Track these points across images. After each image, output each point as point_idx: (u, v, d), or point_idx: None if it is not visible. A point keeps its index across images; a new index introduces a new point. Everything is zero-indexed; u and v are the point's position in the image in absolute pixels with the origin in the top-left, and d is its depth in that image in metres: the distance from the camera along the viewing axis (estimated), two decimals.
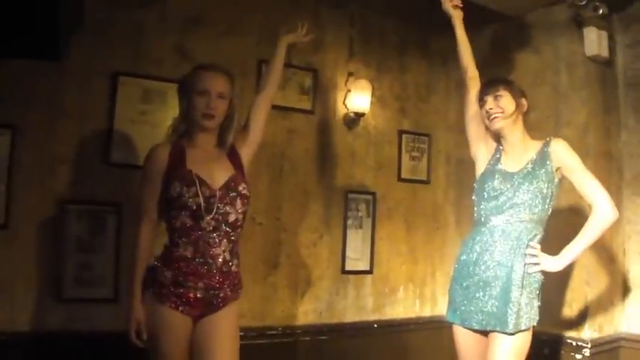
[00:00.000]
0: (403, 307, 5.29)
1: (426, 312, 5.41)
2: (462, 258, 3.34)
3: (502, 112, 3.25)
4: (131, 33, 4.17)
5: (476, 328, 3.19)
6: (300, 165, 4.82)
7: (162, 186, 2.98)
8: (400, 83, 5.41)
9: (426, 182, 5.51)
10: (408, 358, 5.13)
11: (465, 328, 3.26)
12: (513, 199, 3.21)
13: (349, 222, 5.04)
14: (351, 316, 4.92)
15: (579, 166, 3.25)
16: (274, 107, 4.58)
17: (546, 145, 3.25)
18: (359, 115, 5.03)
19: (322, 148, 4.95)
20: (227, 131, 3.21)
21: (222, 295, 3.00)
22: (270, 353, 4.40)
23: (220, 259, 2.98)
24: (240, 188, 3.10)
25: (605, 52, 4.50)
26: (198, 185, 2.94)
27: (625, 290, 4.59)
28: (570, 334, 4.40)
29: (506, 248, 3.15)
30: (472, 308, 3.20)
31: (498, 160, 3.38)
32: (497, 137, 3.40)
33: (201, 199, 2.93)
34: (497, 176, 3.31)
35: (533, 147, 3.30)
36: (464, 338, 3.30)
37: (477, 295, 3.18)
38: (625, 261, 4.59)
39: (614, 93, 4.66)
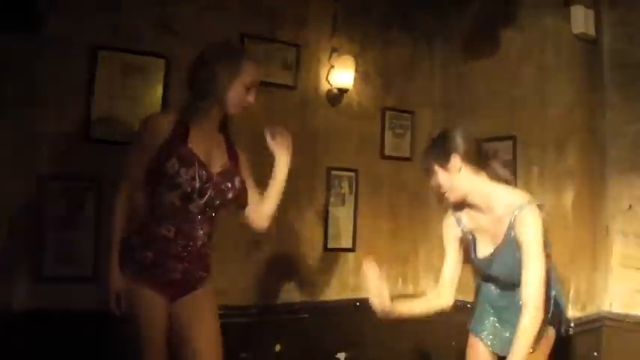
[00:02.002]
0: (386, 284, 5.25)
1: (409, 289, 5.40)
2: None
3: (444, 188, 3.08)
4: (110, 6, 4.07)
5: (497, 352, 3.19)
6: None
7: (155, 159, 2.85)
8: (384, 60, 5.35)
9: (409, 160, 5.48)
10: (390, 335, 5.11)
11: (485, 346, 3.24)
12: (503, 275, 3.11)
13: (332, 199, 5.01)
14: (333, 294, 4.91)
15: (534, 250, 2.88)
16: None
17: (513, 216, 2.94)
18: (342, 92, 4.99)
19: (305, 124, 4.90)
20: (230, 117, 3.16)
21: (197, 276, 2.98)
22: (252, 331, 4.37)
23: (200, 242, 2.95)
24: (236, 180, 3.06)
25: (591, 31, 4.47)
26: (197, 167, 2.85)
27: (608, 270, 4.59)
28: None
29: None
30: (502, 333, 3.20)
31: (474, 250, 3.23)
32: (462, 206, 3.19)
33: (197, 183, 2.85)
34: (482, 266, 3.20)
35: (505, 216, 2.99)
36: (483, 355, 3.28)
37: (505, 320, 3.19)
38: (608, 240, 4.60)
39: (600, 72, 4.63)
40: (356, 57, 5.02)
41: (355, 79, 5.02)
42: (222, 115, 3.09)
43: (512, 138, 4.79)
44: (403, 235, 5.43)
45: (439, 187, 3.08)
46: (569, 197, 4.38)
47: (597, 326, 4.49)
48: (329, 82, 4.98)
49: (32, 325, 3.62)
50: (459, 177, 3.03)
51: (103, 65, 4.00)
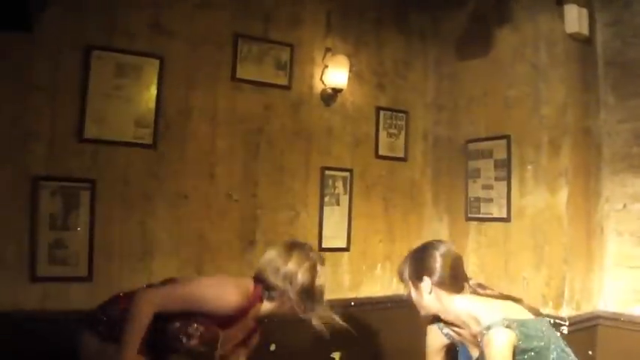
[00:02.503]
0: (380, 284, 5.27)
1: (403, 290, 5.36)
2: None
3: (415, 303, 3.19)
4: (105, 6, 4.08)
5: None
6: (277, 141, 4.77)
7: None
8: (378, 59, 5.35)
9: (404, 159, 5.47)
10: (385, 335, 5.12)
11: None
12: None
13: (326, 199, 5.01)
14: (327, 294, 4.87)
15: None
16: (250, 82, 4.59)
17: (481, 336, 2.92)
18: (336, 91, 4.99)
19: (299, 124, 4.90)
20: None
21: None
22: None
23: None
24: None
25: (585, 30, 4.47)
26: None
27: (603, 269, 4.59)
28: (548, 311, 4.38)
29: None
30: None
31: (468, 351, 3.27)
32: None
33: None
34: None
35: (477, 334, 2.98)
36: None
37: None
38: (603, 239, 4.60)
39: (594, 71, 4.63)
40: (350, 57, 5.02)
41: (349, 79, 5.02)
42: None
43: (507, 137, 4.80)
44: (398, 235, 5.42)
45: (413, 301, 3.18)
46: (563, 196, 4.39)
47: (592, 325, 4.49)
48: (323, 82, 4.98)
49: (27, 326, 3.61)
50: (429, 298, 3.09)
51: (97, 65, 4.00)
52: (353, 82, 5.13)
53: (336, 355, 4.85)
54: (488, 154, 4.95)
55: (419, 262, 3.14)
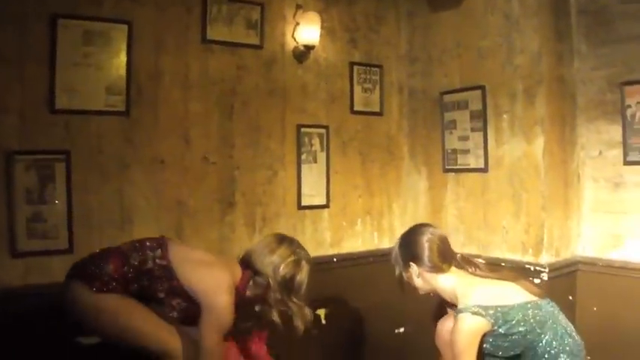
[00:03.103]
0: (362, 239, 5.31)
1: (385, 244, 5.41)
2: None
3: (413, 286, 3.51)
4: None
5: None
6: (251, 101, 4.73)
7: None
8: (349, 14, 5.29)
9: (380, 114, 5.46)
10: (368, 290, 5.16)
11: None
12: None
13: (303, 157, 5.00)
14: (309, 251, 4.88)
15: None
16: (221, 43, 4.53)
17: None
18: (309, 48, 4.93)
19: (273, 83, 4.86)
20: None
21: None
22: None
23: None
24: None
25: None
26: None
27: (580, 215, 4.65)
28: (528, 259, 4.45)
29: None
30: None
31: None
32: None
33: None
34: None
35: None
36: None
37: None
38: (580, 186, 4.64)
39: (566, 20, 4.61)
40: (321, 13, 4.96)
41: (321, 36, 4.97)
42: None
43: (481, 88, 4.79)
44: (376, 189, 5.43)
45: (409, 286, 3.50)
46: (539, 145, 4.40)
47: (571, 270, 4.56)
48: (295, 40, 4.92)
49: (9, 301, 3.59)
50: (418, 280, 3.45)
51: (64, 34, 3.91)
52: (325, 38, 5.08)
53: (321, 312, 4.90)
54: (463, 106, 4.94)
55: (406, 249, 3.45)
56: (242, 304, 3.31)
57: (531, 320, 3.20)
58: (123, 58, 4.13)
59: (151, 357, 3.17)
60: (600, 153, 4.51)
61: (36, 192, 3.80)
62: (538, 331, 3.21)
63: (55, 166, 3.86)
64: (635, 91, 4.28)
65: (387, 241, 5.43)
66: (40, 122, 3.85)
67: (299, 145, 4.98)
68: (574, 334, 3.31)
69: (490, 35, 4.72)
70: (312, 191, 5.03)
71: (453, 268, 3.44)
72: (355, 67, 5.30)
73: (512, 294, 3.30)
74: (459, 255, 3.54)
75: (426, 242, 3.39)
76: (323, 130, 5.11)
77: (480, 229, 4.83)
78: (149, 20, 4.25)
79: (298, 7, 4.92)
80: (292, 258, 3.37)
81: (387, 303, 5.15)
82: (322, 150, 5.10)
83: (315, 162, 5.06)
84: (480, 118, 4.79)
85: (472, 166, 4.89)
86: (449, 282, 3.38)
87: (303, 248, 3.51)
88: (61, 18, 3.91)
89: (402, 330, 5.40)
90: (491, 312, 3.15)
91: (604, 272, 4.43)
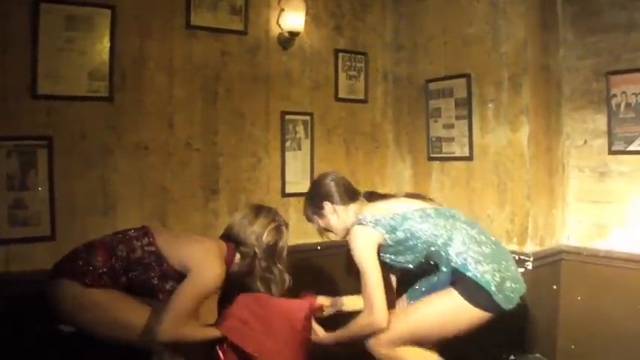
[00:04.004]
0: None
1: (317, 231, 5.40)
2: None
3: (329, 230, 3.64)
4: None
5: None
6: (235, 88, 4.71)
7: None
8: (335, 1, 5.26)
9: (364, 101, 5.44)
10: (352, 278, 5.13)
11: None
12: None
13: (287, 144, 4.98)
14: (293, 239, 4.87)
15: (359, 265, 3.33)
16: (205, 29, 4.51)
17: None
18: (293, 35, 4.91)
19: (257, 69, 4.84)
20: None
21: None
22: None
23: None
24: None
25: None
26: None
27: (565, 204, 4.65)
28: (512, 248, 4.45)
29: None
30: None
31: None
32: None
33: None
34: None
35: None
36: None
37: None
38: (565, 175, 4.64)
39: (553, 8, 4.60)
40: None
41: (306, 22, 4.95)
42: None
43: (467, 76, 4.78)
44: (361, 176, 5.39)
45: (324, 230, 3.67)
46: (524, 134, 4.40)
47: (556, 260, 4.57)
48: (279, 26, 4.89)
49: None
50: (334, 218, 3.54)
51: (46, 19, 3.87)
52: (310, 25, 5.05)
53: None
54: (448, 93, 4.94)
55: (316, 195, 3.58)
56: (229, 278, 3.35)
57: (426, 227, 3.33)
58: (106, 43, 4.09)
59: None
60: (585, 142, 4.51)
61: (17, 178, 3.78)
62: (439, 239, 3.31)
63: (37, 152, 3.84)
64: (621, 81, 4.28)
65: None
66: (22, 108, 3.82)
67: (283, 132, 4.96)
68: (482, 237, 3.35)
69: (476, 22, 4.71)
70: (296, 178, 5.01)
71: (364, 200, 3.59)
72: (340, 54, 5.27)
73: (405, 205, 3.44)
74: (366, 191, 3.71)
75: (331, 181, 3.57)
76: (307, 118, 5.09)
77: None
78: (133, 5, 4.22)
79: None
80: (273, 225, 3.46)
81: None
82: (306, 137, 5.08)
83: (300, 149, 5.04)
84: (465, 106, 4.78)
85: (457, 154, 4.89)
86: (356, 208, 3.51)
87: (279, 215, 3.60)
88: (43, 2, 3.87)
89: None
90: (381, 222, 3.32)
91: (588, 262, 4.44)
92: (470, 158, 4.78)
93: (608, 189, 4.39)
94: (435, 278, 3.40)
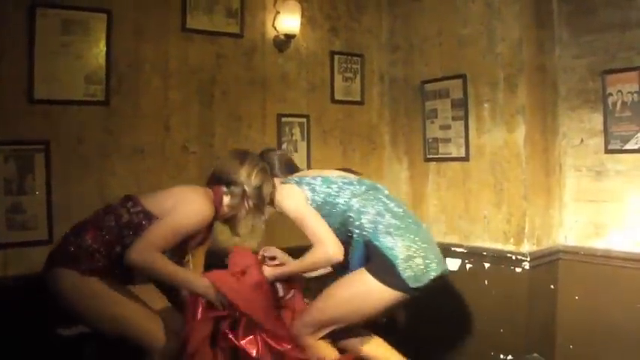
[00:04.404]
0: None
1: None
2: None
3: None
4: None
5: None
6: (231, 90, 4.71)
7: None
8: (330, 3, 5.26)
9: (361, 103, 5.44)
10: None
11: None
12: None
13: (284, 146, 4.98)
14: (288, 242, 4.88)
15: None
16: (201, 32, 4.51)
17: None
18: (289, 37, 4.91)
19: (253, 72, 4.84)
20: None
21: None
22: None
23: None
24: None
25: None
26: None
27: (562, 204, 4.65)
28: (510, 248, 4.47)
29: None
30: None
31: None
32: None
33: None
34: None
35: None
36: None
37: None
38: (561, 175, 4.65)
39: (548, 7, 4.61)
40: (301, 1, 4.94)
41: (302, 24, 4.96)
42: None
43: (462, 76, 4.79)
44: None
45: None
46: (521, 133, 4.40)
47: (553, 260, 4.57)
48: (275, 29, 4.90)
49: None
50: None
51: (42, 23, 3.88)
52: (306, 27, 5.06)
53: None
54: (444, 94, 4.94)
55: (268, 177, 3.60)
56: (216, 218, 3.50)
57: (346, 193, 3.47)
58: (102, 47, 4.10)
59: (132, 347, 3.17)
60: (582, 141, 4.52)
61: (15, 182, 3.78)
62: (355, 206, 3.41)
63: (34, 157, 3.84)
64: (617, 80, 4.29)
65: None
66: (19, 112, 3.82)
67: (279, 135, 4.96)
68: (400, 211, 3.44)
69: (471, 23, 4.71)
70: None
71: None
72: (336, 56, 5.28)
73: (330, 172, 3.66)
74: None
75: (276, 159, 3.77)
76: (303, 120, 5.09)
77: (462, 219, 4.83)
78: (129, 9, 4.22)
79: None
80: (259, 167, 3.52)
81: None
82: (303, 139, 5.08)
83: (296, 151, 5.04)
84: (461, 106, 4.79)
85: (453, 155, 4.89)
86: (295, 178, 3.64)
87: (263, 160, 3.65)
88: (39, 7, 3.87)
89: (384, 320, 5.39)
90: (304, 180, 3.55)
91: (586, 261, 4.45)
92: (466, 159, 4.78)
93: (605, 188, 4.40)
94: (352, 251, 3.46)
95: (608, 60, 4.34)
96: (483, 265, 4.61)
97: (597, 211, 4.44)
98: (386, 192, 3.56)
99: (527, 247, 4.41)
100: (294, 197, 3.48)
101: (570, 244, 4.59)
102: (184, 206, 3.21)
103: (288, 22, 4.83)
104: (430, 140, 5.09)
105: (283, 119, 4.98)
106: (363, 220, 3.35)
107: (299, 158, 5.00)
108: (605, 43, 4.36)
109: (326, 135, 5.24)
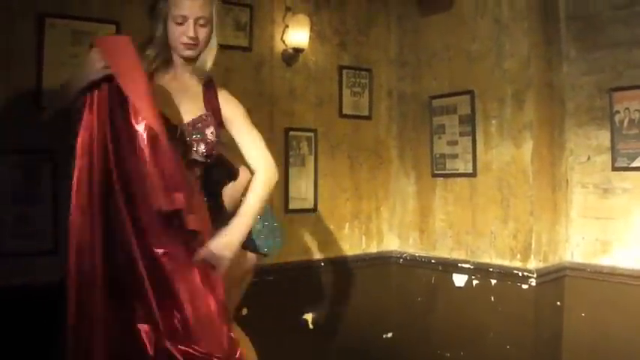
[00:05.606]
0: (349, 244, 5.28)
1: (373, 248, 5.42)
2: None
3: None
4: None
5: None
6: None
7: None
8: (339, 18, 5.28)
9: (368, 118, 5.44)
10: (356, 294, 5.15)
11: None
12: None
13: (291, 160, 4.97)
14: (297, 256, 4.89)
15: None
16: None
17: None
18: (298, 51, 4.92)
19: (261, 85, 4.85)
20: (204, 58, 3.04)
21: None
22: None
23: None
24: (208, 132, 2.92)
25: None
26: None
27: (568, 221, 4.65)
28: (516, 264, 4.46)
29: None
30: None
31: None
32: None
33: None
34: None
35: None
36: None
37: None
38: (568, 192, 4.65)
39: (556, 24, 4.63)
40: (311, 16, 4.96)
41: (311, 39, 4.96)
42: (183, 61, 3.01)
43: (470, 92, 4.81)
44: (365, 193, 5.41)
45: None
46: (528, 150, 4.41)
47: (560, 276, 4.57)
48: (284, 43, 4.91)
49: None
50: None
51: (51, 33, 3.89)
52: (314, 41, 5.07)
53: (308, 316, 4.87)
54: (452, 110, 4.96)
55: None
56: None
57: None
58: None
59: None
60: (589, 158, 4.52)
61: (22, 192, 3.78)
62: None
63: (41, 167, 3.83)
64: (624, 97, 4.30)
65: (375, 245, 5.45)
66: (27, 122, 3.79)
67: (287, 149, 4.95)
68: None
69: (480, 39, 4.73)
70: (300, 195, 5.01)
71: None
72: (344, 71, 5.29)
73: None
74: None
75: None
76: (311, 134, 5.09)
77: (469, 234, 4.82)
78: (137, 20, 4.22)
79: (287, 9, 4.91)
80: None
81: (375, 308, 5.15)
82: (310, 153, 5.08)
83: (303, 165, 5.04)
84: (469, 122, 4.80)
85: (460, 170, 4.90)
86: None
87: None
88: (48, 17, 3.88)
89: (389, 335, 5.38)
90: None
91: (592, 278, 4.45)
92: (473, 174, 4.79)
93: (611, 205, 4.40)
94: None
95: (616, 77, 4.35)
96: (490, 281, 4.60)
97: (604, 228, 4.43)
98: None
99: (533, 264, 4.41)
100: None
101: (577, 261, 4.58)
102: None
103: (297, 36, 4.84)
104: (437, 156, 5.09)
105: (291, 133, 4.98)
106: None
107: (306, 172, 5.02)
108: (612, 61, 4.37)
109: (334, 149, 5.24)
